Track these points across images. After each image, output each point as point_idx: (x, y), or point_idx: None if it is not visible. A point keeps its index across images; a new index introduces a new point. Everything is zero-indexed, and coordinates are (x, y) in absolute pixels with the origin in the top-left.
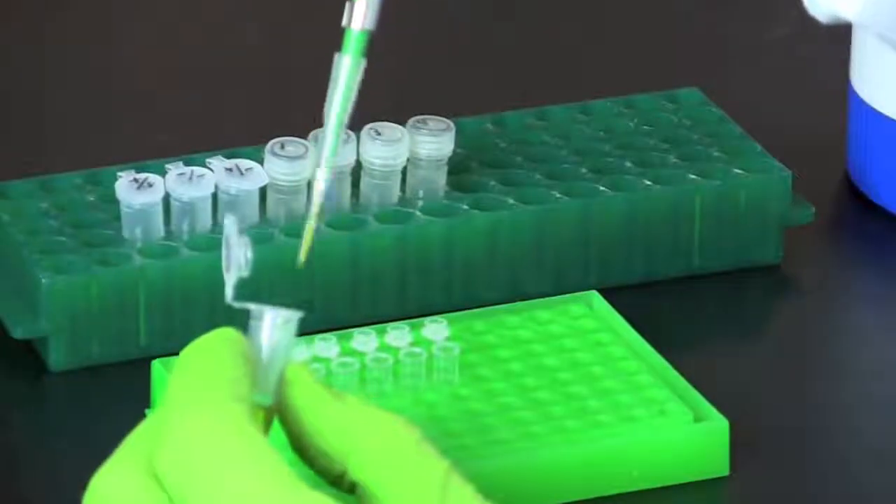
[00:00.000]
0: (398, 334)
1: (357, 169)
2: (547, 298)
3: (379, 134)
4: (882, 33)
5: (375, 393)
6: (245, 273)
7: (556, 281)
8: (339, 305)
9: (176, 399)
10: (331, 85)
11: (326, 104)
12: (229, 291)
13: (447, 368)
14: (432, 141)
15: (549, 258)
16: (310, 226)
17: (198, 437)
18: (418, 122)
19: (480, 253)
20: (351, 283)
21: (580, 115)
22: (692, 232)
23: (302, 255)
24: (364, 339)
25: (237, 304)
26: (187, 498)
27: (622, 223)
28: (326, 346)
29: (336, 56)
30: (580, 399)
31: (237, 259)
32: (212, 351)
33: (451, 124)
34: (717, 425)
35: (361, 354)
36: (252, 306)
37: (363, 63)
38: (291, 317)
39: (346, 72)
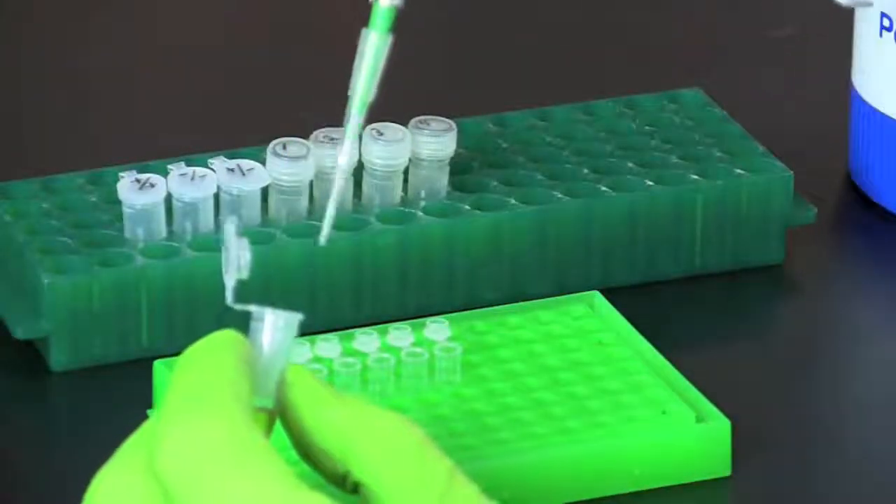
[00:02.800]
0: (400, 334)
1: (359, 169)
2: (548, 299)
3: (381, 134)
4: None
5: (377, 393)
6: (244, 275)
7: (558, 281)
8: (341, 306)
9: (176, 401)
10: (357, 59)
11: (352, 79)
12: (229, 294)
13: (449, 369)
14: (434, 141)
15: (551, 258)
16: (333, 201)
17: (198, 440)
18: (420, 122)
19: (482, 253)
20: (353, 283)
21: (582, 116)
22: (694, 232)
23: (324, 236)
24: (366, 340)
25: (237, 306)
26: (188, 501)
27: (624, 223)
28: (328, 346)
29: (363, 31)
30: (581, 399)
31: (236, 261)
32: (212, 353)
33: (453, 124)
34: (719, 425)
35: (363, 355)
36: (253, 308)
37: (390, 39)
38: (292, 318)
39: (373, 48)
